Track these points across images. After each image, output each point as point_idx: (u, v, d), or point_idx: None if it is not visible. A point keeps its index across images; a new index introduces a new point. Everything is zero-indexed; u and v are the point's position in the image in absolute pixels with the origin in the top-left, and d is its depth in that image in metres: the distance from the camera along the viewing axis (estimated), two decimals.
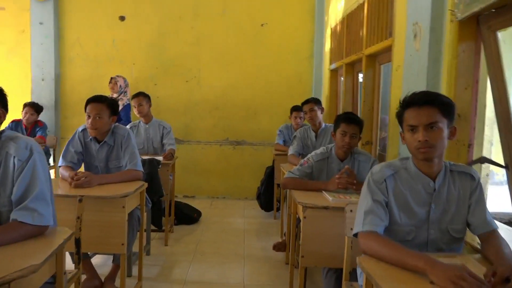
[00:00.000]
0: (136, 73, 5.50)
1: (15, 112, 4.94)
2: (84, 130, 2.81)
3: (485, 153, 2.16)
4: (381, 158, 3.63)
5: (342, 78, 4.44)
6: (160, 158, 3.71)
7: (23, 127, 4.83)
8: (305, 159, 2.71)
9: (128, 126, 4.12)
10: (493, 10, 1.86)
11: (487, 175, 2.21)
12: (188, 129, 5.56)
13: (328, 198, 2.38)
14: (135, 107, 4.00)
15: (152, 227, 3.65)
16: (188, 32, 5.45)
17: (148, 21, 5.43)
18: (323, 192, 2.50)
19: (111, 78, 4.81)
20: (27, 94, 5.34)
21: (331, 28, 4.89)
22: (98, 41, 5.45)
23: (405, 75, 2.48)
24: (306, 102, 3.86)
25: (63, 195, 2.21)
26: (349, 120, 2.59)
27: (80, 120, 4.89)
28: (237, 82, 5.53)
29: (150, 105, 4.09)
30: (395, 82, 2.83)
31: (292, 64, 5.52)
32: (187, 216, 4.38)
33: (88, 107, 2.70)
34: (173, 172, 4.08)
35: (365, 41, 3.52)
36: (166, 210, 3.81)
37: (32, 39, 5.33)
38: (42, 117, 5.03)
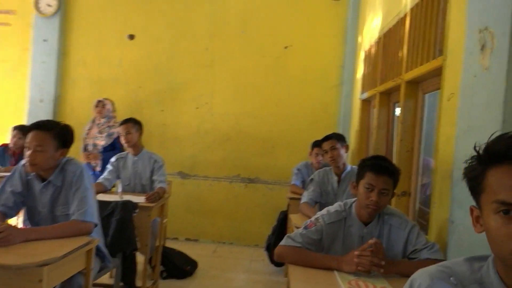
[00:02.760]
0: (141, 96, 4.94)
1: (7, 135, 4.46)
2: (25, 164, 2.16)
3: None
4: (422, 215, 2.76)
5: (375, 110, 3.65)
6: (141, 198, 3.02)
7: (10, 152, 4.30)
8: (313, 219, 1.92)
9: (113, 158, 3.49)
10: None
11: None
12: (195, 161, 4.88)
13: (340, 286, 1.57)
14: (122, 135, 3.38)
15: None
16: (202, 53, 4.87)
17: (158, 40, 4.90)
18: (335, 272, 1.69)
19: (98, 101, 4.24)
20: (22, 116, 4.88)
21: (365, 52, 4.15)
22: (103, 61, 4.97)
23: (463, 106, 1.68)
24: (327, 138, 3.07)
25: None
26: (379, 169, 1.79)
27: (78, 146, 4.36)
28: (253, 111, 4.84)
29: (140, 134, 3.45)
30: (445, 116, 2.02)
31: (318, 92, 4.79)
32: (178, 268, 3.62)
33: (28, 137, 2.07)
34: (161, 216, 3.36)
35: (405, 64, 2.74)
36: (143, 264, 3.07)
37: (33, 57, 4.92)
38: None
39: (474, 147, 0.84)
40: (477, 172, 0.82)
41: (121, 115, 4.27)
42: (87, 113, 4.91)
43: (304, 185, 4.11)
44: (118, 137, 4.05)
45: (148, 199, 3.00)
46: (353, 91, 4.58)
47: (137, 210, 2.79)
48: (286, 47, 4.82)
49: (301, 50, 4.79)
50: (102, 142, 4.12)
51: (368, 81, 3.91)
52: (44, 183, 2.13)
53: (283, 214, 4.01)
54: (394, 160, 2.85)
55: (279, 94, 4.82)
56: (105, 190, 3.36)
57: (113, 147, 4.13)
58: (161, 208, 3.33)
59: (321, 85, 4.78)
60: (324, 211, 1.93)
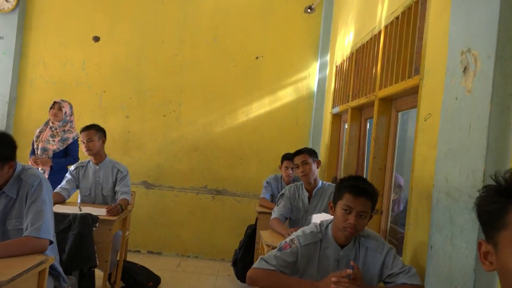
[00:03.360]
0: (106, 102, 4.71)
1: None
2: None
3: None
4: (393, 234, 2.74)
5: (346, 125, 3.64)
6: (102, 210, 2.83)
7: None
8: (288, 240, 1.83)
9: (72, 167, 3.28)
10: None
11: None
12: (160, 171, 4.70)
13: None
14: (83, 142, 3.17)
15: None
16: (170, 59, 4.72)
17: (125, 44, 4.71)
18: None
19: (54, 102, 3.82)
20: None
21: (336, 66, 4.15)
22: (65, 62, 4.71)
23: (444, 128, 1.65)
24: (298, 152, 3.00)
25: None
26: (358, 191, 1.73)
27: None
28: (223, 121, 4.73)
29: (103, 141, 3.25)
30: (421, 136, 2.01)
31: (289, 104, 4.75)
32: (140, 285, 3.42)
33: None
34: (123, 228, 3.18)
35: (379, 81, 2.73)
36: (102, 280, 2.87)
37: None
38: None
39: (495, 177, 0.77)
40: (498, 206, 0.75)
41: (84, 121, 4.04)
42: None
43: (273, 198, 4.05)
44: (73, 143, 3.77)
45: (110, 212, 2.81)
46: (324, 104, 4.57)
47: (97, 224, 2.61)
48: (257, 58, 4.76)
49: (272, 61, 4.75)
50: (53, 146, 3.69)
51: (340, 95, 3.91)
52: None
53: (251, 228, 3.91)
54: (366, 178, 2.83)
55: (249, 104, 4.74)
56: (63, 201, 3.14)
57: (66, 154, 3.76)
58: (123, 221, 3.15)
59: (292, 97, 4.74)
60: (299, 232, 1.85)
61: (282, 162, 4.03)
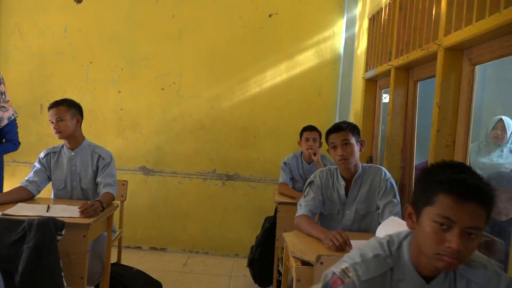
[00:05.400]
0: (93, 74, 4.00)
1: None
2: None
3: None
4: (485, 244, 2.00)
5: (388, 91, 2.86)
6: (76, 210, 2.16)
7: None
8: (337, 271, 1.10)
9: (42, 154, 2.60)
10: None
11: None
12: (161, 154, 4.01)
13: None
14: (52, 122, 2.47)
15: None
16: (167, 22, 3.96)
17: (113, 5, 3.96)
18: None
19: None
20: None
21: (370, 18, 3.34)
22: (44, 30, 3.99)
23: None
24: (338, 129, 2.17)
25: None
26: (464, 191, 0.97)
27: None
28: (231, 93, 3.99)
29: (78, 121, 2.55)
30: None
31: (310, 71, 3.97)
32: None
33: None
34: (109, 229, 2.51)
35: (445, 23, 1.95)
36: None
37: None
38: None
39: None
40: None
41: (69, 97, 3.34)
42: (25, 94, 3.98)
43: (294, 183, 3.35)
44: (10, 124, 2.94)
45: (83, 213, 2.13)
46: (354, 68, 3.78)
47: (63, 232, 1.93)
48: (270, 15, 3.96)
49: (289, 19, 3.95)
50: None
51: (376, 55, 3.12)
52: None
53: (269, 222, 3.22)
54: (426, 159, 2.09)
55: (262, 72, 3.98)
56: (31, 198, 2.48)
57: (1, 138, 2.96)
58: (108, 220, 2.48)
59: (314, 62, 3.95)
60: (355, 255, 1.13)
61: (301, 135, 3.31)
